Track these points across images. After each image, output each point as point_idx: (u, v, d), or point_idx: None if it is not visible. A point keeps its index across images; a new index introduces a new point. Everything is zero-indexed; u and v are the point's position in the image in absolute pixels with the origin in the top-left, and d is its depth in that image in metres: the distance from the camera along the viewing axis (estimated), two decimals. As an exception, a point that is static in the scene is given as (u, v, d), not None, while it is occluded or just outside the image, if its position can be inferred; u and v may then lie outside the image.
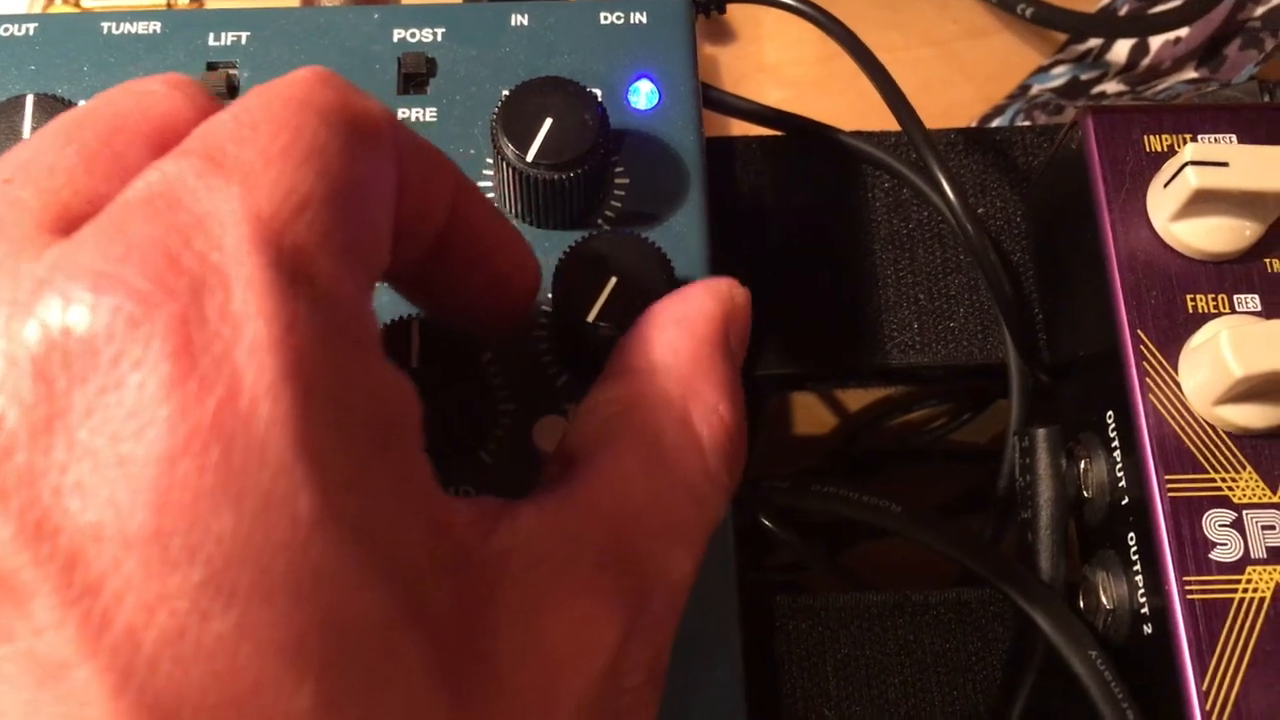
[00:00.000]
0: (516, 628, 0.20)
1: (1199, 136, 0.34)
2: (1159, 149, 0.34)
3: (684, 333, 0.26)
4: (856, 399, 0.49)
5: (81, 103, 0.31)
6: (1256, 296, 0.32)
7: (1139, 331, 0.32)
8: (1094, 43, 0.54)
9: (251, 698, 0.17)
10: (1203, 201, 0.32)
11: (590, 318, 0.28)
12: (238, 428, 0.17)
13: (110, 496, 0.16)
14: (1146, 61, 0.53)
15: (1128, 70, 0.53)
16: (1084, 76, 0.53)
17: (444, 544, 0.20)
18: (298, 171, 0.19)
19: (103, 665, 0.16)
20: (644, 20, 0.34)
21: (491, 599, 0.20)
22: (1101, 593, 0.32)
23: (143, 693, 0.16)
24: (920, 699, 0.35)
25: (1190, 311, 0.32)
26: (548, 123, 0.30)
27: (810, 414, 0.49)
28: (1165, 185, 0.32)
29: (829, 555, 0.43)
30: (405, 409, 0.20)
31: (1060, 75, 0.54)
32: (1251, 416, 0.31)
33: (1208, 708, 0.29)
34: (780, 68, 0.55)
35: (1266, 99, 0.37)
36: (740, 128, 0.41)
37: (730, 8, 0.38)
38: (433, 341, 0.27)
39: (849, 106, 0.45)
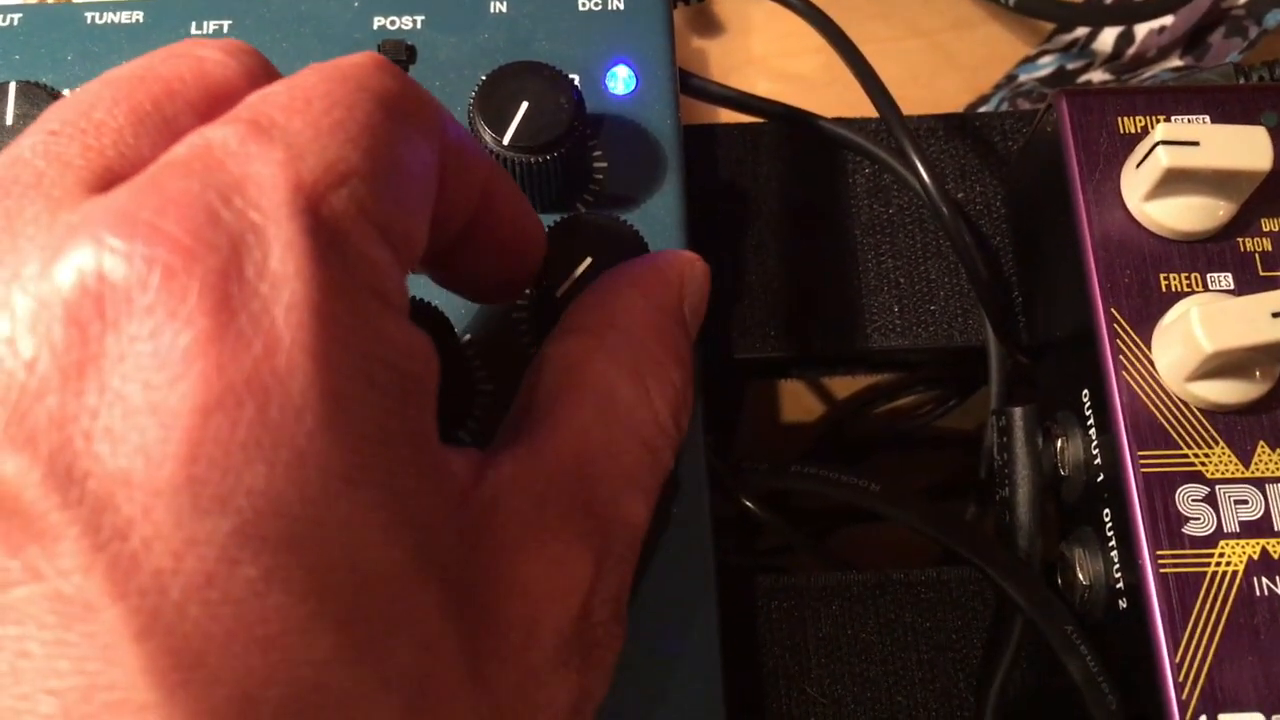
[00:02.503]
0: (503, 567, 0.21)
1: (1172, 117, 0.34)
2: (1133, 130, 0.34)
3: (639, 294, 0.27)
4: (843, 386, 0.50)
5: (66, 92, 0.32)
6: (1229, 275, 0.33)
7: (1113, 310, 0.32)
8: (1080, 32, 0.54)
9: (277, 643, 0.17)
10: (1175, 181, 0.32)
11: (559, 294, 0.28)
12: (274, 384, 0.17)
13: (141, 444, 0.17)
14: (1132, 50, 0.53)
15: (1113, 59, 0.53)
16: (1070, 66, 0.54)
17: (448, 493, 0.21)
18: (344, 146, 0.19)
19: (130, 608, 0.16)
20: (621, 6, 0.34)
21: (482, 542, 0.21)
22: (1079, 569, 0.33)
23: (169, 635, 0.16)
24: (901, 676, 0.35)
25: (1164, 290, 0.33)
26: (524, 106, 0.30)
27: (798, 401, 0.50)
28: (1138, 165, 0.32)
29: (813, 539, 0.43)
30: (426, 368, 0.21)
31: (1047, 65, 0.54)
32: (1223, 392, 0.31)
33: (1180, 679, 0.29)
34: (769, 59, 0.56)
35: (1241, 81, 0.37)
36: (729, 118, 0.42)
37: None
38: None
39: (837, 98, 0.45)
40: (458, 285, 0.28)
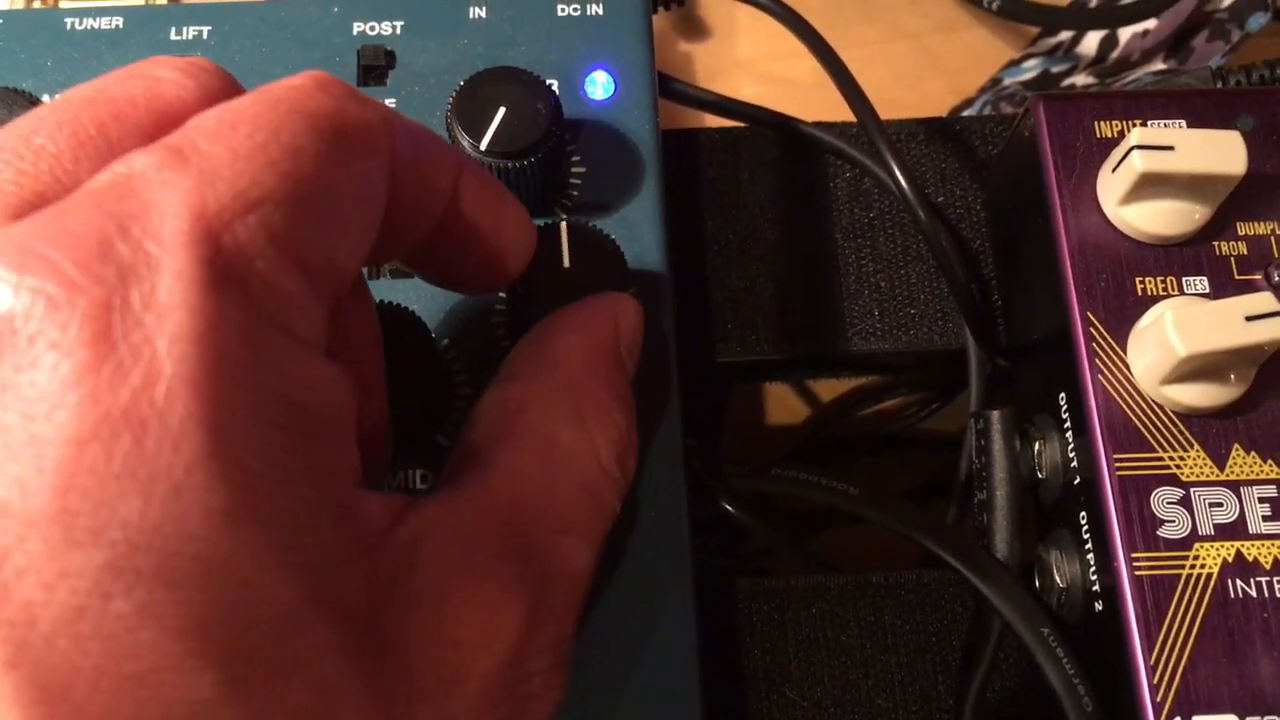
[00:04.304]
0: (425, 611, 0.21)
1: (1149, 122, 0.34)
2: (1109, 135, 0.34)
3: (576, 338, 0.27)
4: (828, 389, 0.50)
5: (46, 98, 0.32)
6: (1205, 279, 0.33)
7: (1089, 314, 0.32)
8: (1065, 36, 0.54)
9: (148, 680, 0.17)
10: (1150, 185, 0.32)
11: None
12: (152, 416, 0.17)
13: (18, 474, 0.17)
14: (1115, 54, 0.53)
15: (1097, 63, 0.53)
16: (1054, 69, 0.54)
17: (355, 532, 0.20)
18: (261, 171, 0.19)
19: None
20: (600, 12, 0.34)
21: (400, 584, 0.21)
22: (1055, 572, 0.33)
23: (37, 667, 0.16)
24: (881, 679, 0.35)
25: (1139, 294, 0.33)
26: (501, 112, 0.30)
27: (782, 404, 0.50)
28: (1114, 170, 0.33)
29: (795, 541, 0.44)
30: (336, 405, 0.21)
31: (1031, 68, 0.54)
32: (1198, 396, 0.31)
33: (1155, 681, 0.29)
34: (755, 63, 0.56)
35: (1219, 85, 0.37)
36: (712, 121, 0.42)
37: (702, 3, 0.39)
38: (389, 327, 0.27)
39: (823, 102, 0.45)
40: (444, 281, 0.28)
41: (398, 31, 0.34)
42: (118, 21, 0.33)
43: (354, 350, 0.24)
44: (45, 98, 0.32)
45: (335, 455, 0.20)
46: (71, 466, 0.17)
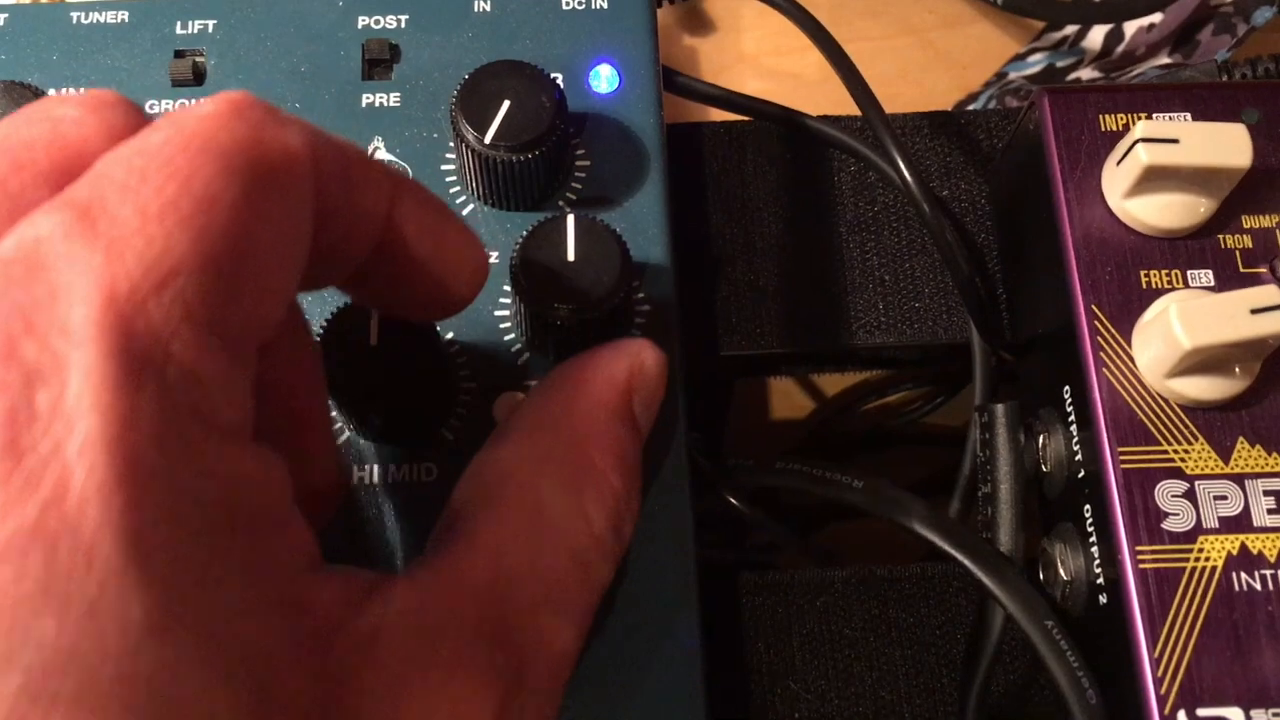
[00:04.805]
0: (380, 708, 0.20)
1: (1154, 115, 0.34)
2: (1114, 128, 0.34)
3: (582, 395, 0.26)
4: (833, 384, 0.50)
5: (52, 92, 0.32)
6: (1210, 272, 0.33)
7: (1094, 307, 0.32)
8: (1070, 30, 0.54)
9: None
10: (1155, 178, 0.32)
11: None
12: (63, 531, 0.16)
13: None
14: (1121, 48, 0.53)
15: (1103, 57, 0.53)
16: (1060, 64, 0.54)
17: (303, 626, 0.19)
18: (172, 234, 0.18)
19: None
20: (604, 6, 0.34)
21: (354, 681, 0.20)
22: (1060, 565, 0.33)
23: None
24: (885, 672, 0.35)
25: (1144, 287, 0.33)
26: (505, 105, 0.30)
27: (787, 399, 0.50)
28: (1118, 163, 0.33)
29: (799, 535, 0.44)
30: (266, 491, 0.19)
31: (1036, 63, 0.54)
32: (1202, 389, 0.31)
33: (1159, 674, 0.29)
34: (760, 58, 0.56)
35: (1224, 79, 0.37)
36: (718, 116, 0.42)
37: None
38: (392, 321, 0.27)
39: (828, 96, 0.45)
40: (385, 308, 0.26)
41: (402, 25, 0.34)
42: (123, 16, 0.33)
43: (287, 403, 0.23)
44: (51, 92, 0.32)
45: (272, 545, 0.19)
46: None
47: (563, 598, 0.23)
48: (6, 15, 0.33)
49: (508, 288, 0.31)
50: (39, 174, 0.19)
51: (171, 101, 0.33)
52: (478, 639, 0.21)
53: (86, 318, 0.17)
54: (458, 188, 0.32)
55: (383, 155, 0.33)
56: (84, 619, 0.16)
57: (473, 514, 0.23)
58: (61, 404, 0.17)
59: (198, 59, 0.33)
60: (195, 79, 0.33)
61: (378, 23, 0.34)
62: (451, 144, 0.33)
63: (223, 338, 0.19)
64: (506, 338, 0.31)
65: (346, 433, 0.30)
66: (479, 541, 0.23)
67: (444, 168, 0.32)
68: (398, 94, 0.33)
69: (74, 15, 0.33)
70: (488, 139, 0.30)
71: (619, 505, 0.25)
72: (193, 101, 0.32)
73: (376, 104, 0.33)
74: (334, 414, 0.30)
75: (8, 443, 0.16)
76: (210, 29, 0.33)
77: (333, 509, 0.25)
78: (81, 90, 0.32)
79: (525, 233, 0.29)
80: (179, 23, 0.33)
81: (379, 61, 0.34)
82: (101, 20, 0.33)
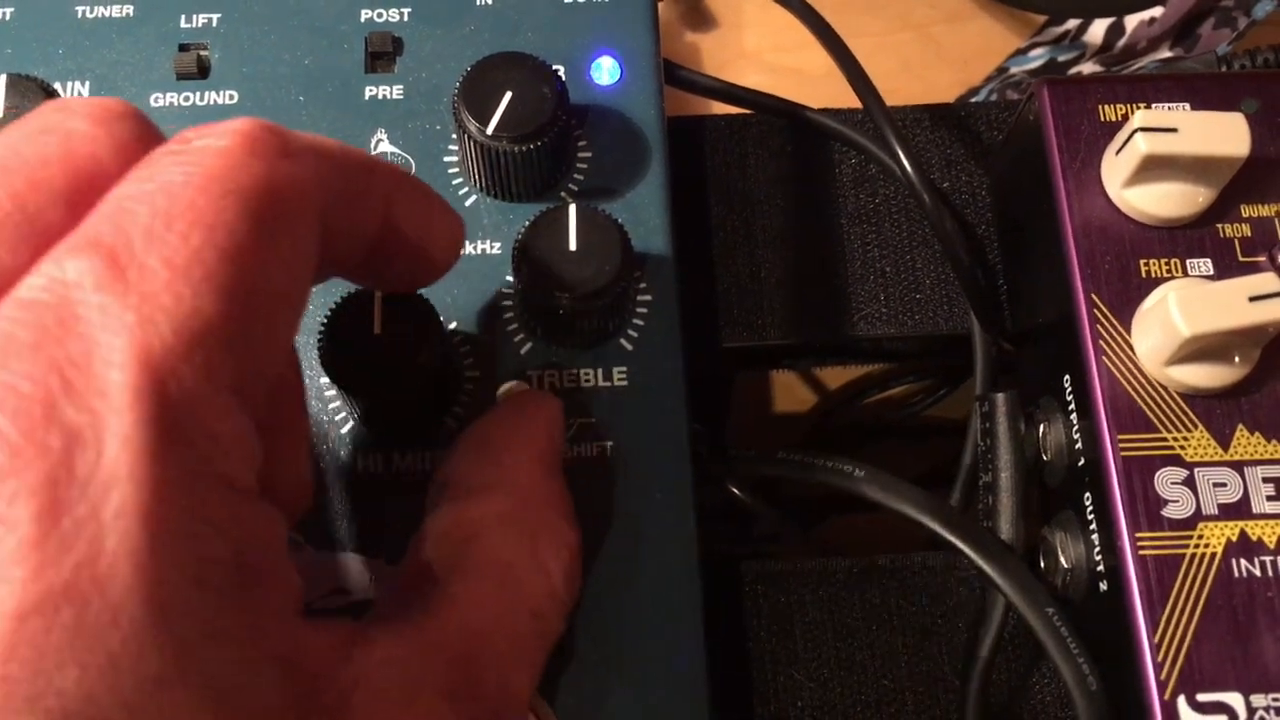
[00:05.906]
0: None
1: (1153, 105, 0.34)
2: (1113, 118, 0.34)
3: (525, 451, 0.27)
4: (835, 377, 0.50)
5: (58, 86, 0.32)
6: (1209, 260, 0.33)
7: (1093, 296, 0.33)
8: (1071, 24, 0.54)
9: None
10: (1154, 167, 0.32)
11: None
12: (93, 590, 0.17)
13: None
14: (1122, 42, 0.53)
15: (1104, 51, 0.53)
16: (1061, 58, 0.54)
17: (297, 678, 0.20)
18: (199, 292, 0.18)
19: None
20: (606, -2, 0.35)
21: None
22: (1060, 553, 0.33)
23: None
24: (887, 661, 0.35)
25: (1144, 276, 0.33)
26: (507, 96, 0.30)
27: (789, 393, 0.50)
28: (1117, 152, 0.33)
29: (801, 525, 0.44)
30: (268, 546, 0.20)
31: (1038, 57, 0.54)
32: (1201, 376, 0.31)
33: (1160, 660, 0.29)
34: (762, 54, 0.56)
35: (1223, 70, 0.38)
36: (720, 110, 0.42)
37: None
38: (395, 310, 0.28)
39: (827, 93, 0.45)
40: (373, 285, 0.27)
41: (405, 18, 0.34)
42: (129, 9, 0.33)
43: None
44: (57, 85, 0.32)
45: (270, 596, 0.20)
46: (12, 638, 0.17)
47: (523, 651, 0.25)
48: (12, 9, 0.33)
49: (510, 278, 0.31)
50: (55, 193, 0.20)
51: (176, 95, 0.33)
52: (454, 690, 0.23)
53: (124, 382, 0.18)
54: (460, 179, 0.33)
55: (386, 147, 0.33)
56: (105, 671, 0.17)
57: (443, 576, 0.25)
58: (99, 470, 0.17)
59: (202, 53, 0.33)
60: (200, 73, 0.33)
61: (380, 16, 0.34)
62: (454, 136, 0.33)
63: (239, 395, 0.19)
64: (509, 327, 0.31)
65: (350, 421, 0.30)
66: (454, 598, 0.24)
67: (446, 159, 0.33)
68: (400, 86, 0.33)
69: (79, 9, 0.33)
70: (490, 130, 0.30)
71: (572, 560, 0.27)
72: (197, 95, 0.33)
73: (379, 96, 0.33)
74: (339, 402, 0.30)
75: (49, 504, 0.17)
76: (214, 23, 0.34)
77: (298, 514, 0.25)
78: (89, 94, 0.32)
79: (527, 223, 0.29)
80: (183, 16, 0.34)
81: (382, 54, 0.34)
82: (106, 14, 0.33)
